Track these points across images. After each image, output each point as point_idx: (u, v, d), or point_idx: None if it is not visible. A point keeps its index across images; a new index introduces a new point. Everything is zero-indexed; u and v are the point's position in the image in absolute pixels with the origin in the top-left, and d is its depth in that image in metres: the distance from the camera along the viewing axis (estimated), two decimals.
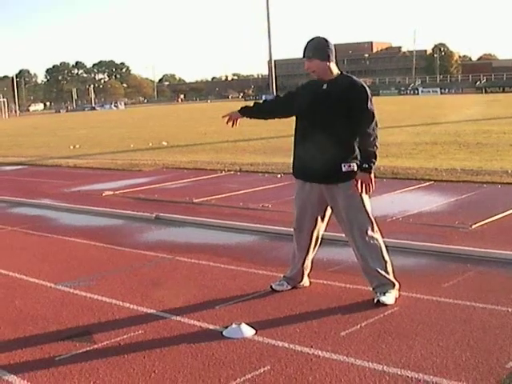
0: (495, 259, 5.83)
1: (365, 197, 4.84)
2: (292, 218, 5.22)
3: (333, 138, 4.78)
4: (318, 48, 4.87)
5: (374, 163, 4.78)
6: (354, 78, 4.92)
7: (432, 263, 5.95)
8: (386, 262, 4.86)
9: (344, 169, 4.77)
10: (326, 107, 4.80)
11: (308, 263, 5.19)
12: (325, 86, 4.87)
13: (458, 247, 6.23)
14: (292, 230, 5.22)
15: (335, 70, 4.89)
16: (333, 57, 4.89)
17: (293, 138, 5.11)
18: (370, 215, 4.87)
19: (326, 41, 4.90)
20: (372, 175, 4.79)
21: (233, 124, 5.34)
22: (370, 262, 4.84)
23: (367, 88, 4.81)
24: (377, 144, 4.78)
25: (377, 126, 4.80)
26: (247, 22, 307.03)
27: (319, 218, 5.05)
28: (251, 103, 5.45)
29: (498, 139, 17.50)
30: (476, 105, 41.22)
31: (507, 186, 9.85)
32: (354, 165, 4.78)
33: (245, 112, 5.35)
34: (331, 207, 4.98)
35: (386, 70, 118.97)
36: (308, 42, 4.93)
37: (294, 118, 5.14)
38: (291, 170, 5.22)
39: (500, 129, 20.51)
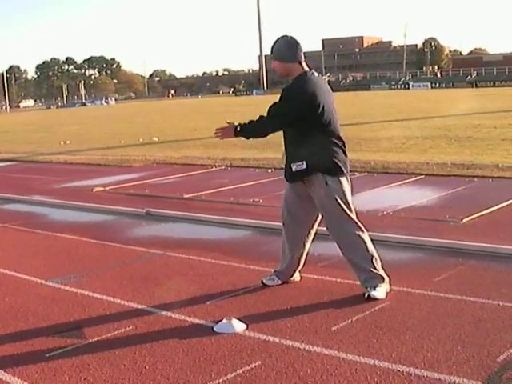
0: (486, 253, 5.84)
1: (347, 191, 4.82)
2: None
3: (287, 139, 4.96)
4: (278, 49, 4.88)
5: (243, 131, 4.90)
6: (297, 80, 4.82)
7: (423, 257, 5.96)
8: (372, 257, 4.81)
9: (293, 168, 4.84)
10: None
11: (299, 258, 5.17)
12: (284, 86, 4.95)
13: (449, 241, 6.24)
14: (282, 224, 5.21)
15: (297, 71, 4.83)
16: (293, 57, 4.81)
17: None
18: (348, 211, 4.80)
19: (287, 41, 4.85)
20: (232, 132, 4.92)
21: (220, 138, 5.18)
22: (355, 257, 4.83)
23: (290, 90, 4.78)
24: (261, 129, 4.94)
25: (278, 124, 4.84)
26: (238, 17, 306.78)
27: (305, 214, 5.03)
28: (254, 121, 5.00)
29: (489, 133, 17.53)
30: (466, 99, 41.28)
31: (498, 180, 9.89)
32: (302, 163, 4.78)
33: (246, 133, 5.02)
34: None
35: (377, 64, 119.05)
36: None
37: None
38: (283, 165, 5.19)
39: (491, 123, 20.54)
